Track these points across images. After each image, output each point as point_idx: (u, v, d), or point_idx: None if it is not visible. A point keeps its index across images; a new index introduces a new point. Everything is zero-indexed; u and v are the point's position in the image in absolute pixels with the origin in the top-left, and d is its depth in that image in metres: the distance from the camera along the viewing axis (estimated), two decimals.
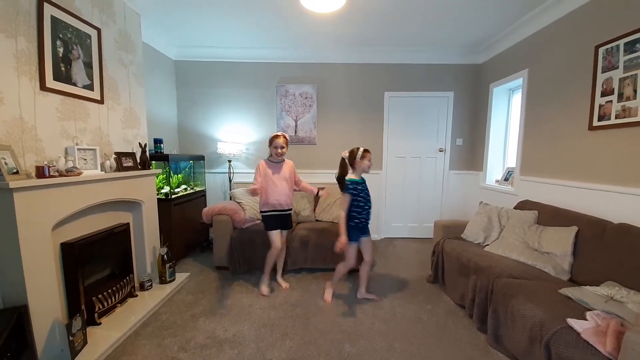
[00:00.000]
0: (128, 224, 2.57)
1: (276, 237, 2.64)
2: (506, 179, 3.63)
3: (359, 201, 2.40)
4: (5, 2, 1.65)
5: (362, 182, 2.45)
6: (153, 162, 3.11)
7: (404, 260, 3.55)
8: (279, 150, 2.62)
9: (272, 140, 2.63)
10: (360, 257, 2.56)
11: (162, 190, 3.35)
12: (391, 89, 4.15)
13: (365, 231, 2.49)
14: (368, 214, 2.46)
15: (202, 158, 4.13)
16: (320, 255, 3.11)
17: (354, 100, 4.18)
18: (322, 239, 3.11)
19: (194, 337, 2.09)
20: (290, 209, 2.76)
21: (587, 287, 1.78)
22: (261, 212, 2.68)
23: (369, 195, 2.47)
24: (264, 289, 2.70)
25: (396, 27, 3.32)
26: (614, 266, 1.88)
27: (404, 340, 2.07)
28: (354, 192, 2.39)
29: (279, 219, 2.68)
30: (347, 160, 2.45)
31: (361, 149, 2.43)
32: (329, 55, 4.05)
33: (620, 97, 2.15)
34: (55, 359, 1.75)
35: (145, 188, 2.68)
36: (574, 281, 2.06)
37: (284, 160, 2.73)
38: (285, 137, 2.67)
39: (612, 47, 2.21)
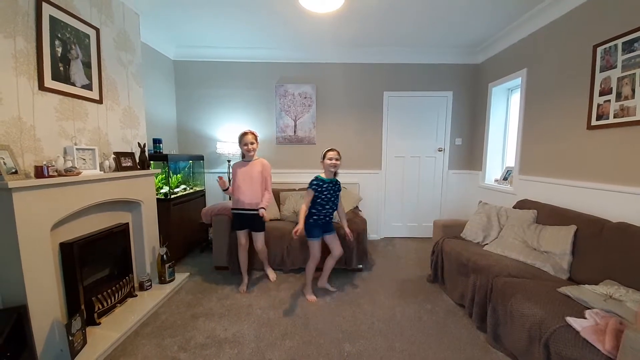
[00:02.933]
0: (127, 223, 2.57)
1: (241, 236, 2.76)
2: (505, 179, 3.63)
3: (322, 199, 2.49)
4: (3, 2, 1.65)
5: (329, 182, 2.51)
6: (152, 162, 3.10)
7: (403, 260, 3.55)
8: (249, 147, 2.64)
9: (242, 137, 2.67)
10: (327, 251, 2.64)
11: (162, 190, 3.35)
12: (390, 89, 4.15)
13: (327, 229, 2.61)
14: (328, 213, 2.55)
15: (201, 158, 4.13)
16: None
17: (353, 100, 4.18)
18: None
19: (193, 337, 2.09)
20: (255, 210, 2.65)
21: (586, 285, 1.79)
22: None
23: (333, 197, 2.54)
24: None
25: (395, 26, 3.32)
26: (613, 265, 1.89)
27: (403, 339, 2.08)
28: (317, 189, 2.47)
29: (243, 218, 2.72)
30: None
31: (326, 150, 2.54)
32: (328, 55, 4.05)
33: (619, 96, 2.16)
34: (55, 359, 1.75)
35: (145, 188, 2.68)
36: (573, 280, 2.06)
37: (255, 158, 2.73)
38: (253, 133, 2.69)
39: (610, 47, 2.22)
